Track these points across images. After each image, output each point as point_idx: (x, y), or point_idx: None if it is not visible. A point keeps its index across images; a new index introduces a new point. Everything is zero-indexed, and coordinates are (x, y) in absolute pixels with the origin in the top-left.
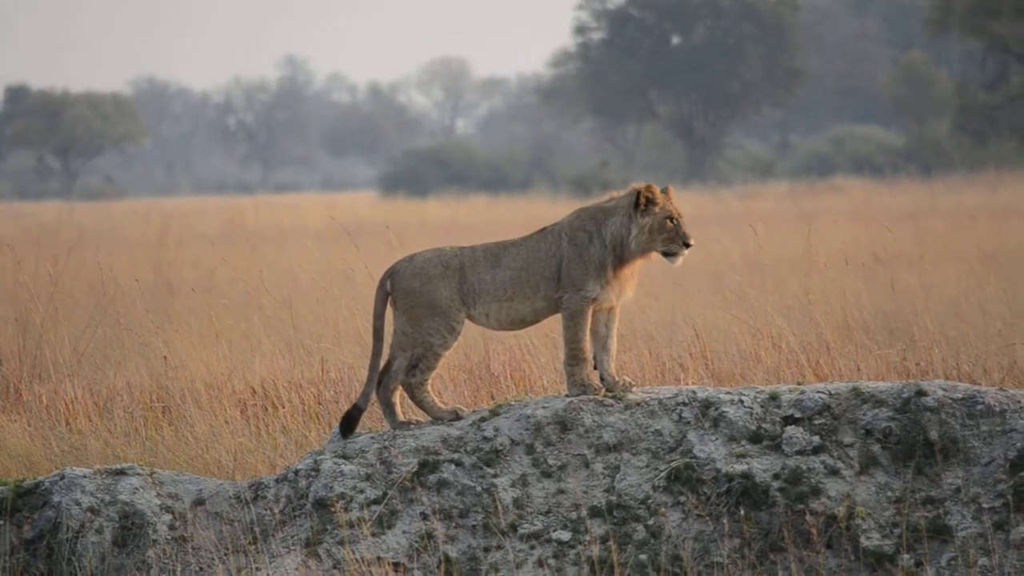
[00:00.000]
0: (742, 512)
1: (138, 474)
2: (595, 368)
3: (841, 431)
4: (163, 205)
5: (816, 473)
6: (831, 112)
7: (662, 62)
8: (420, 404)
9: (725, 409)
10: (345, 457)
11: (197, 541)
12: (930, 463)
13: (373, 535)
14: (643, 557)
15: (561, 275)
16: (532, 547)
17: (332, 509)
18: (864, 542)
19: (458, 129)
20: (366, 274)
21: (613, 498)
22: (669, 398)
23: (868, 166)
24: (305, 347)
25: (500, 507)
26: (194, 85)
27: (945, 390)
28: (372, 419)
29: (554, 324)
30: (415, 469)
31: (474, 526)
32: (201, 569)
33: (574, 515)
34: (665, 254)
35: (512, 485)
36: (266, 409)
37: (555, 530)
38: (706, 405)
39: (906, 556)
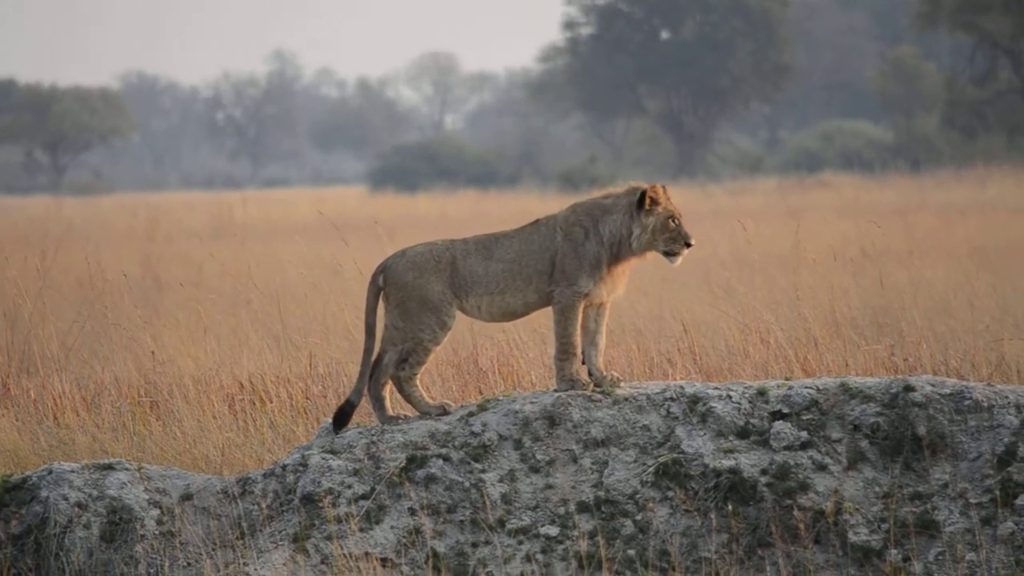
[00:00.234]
0: (730, 507)
1: (126, 469)
2: (583, 363)
3: (829, 426)
4: (151, 200)
5: (804, 468)
6: (820, 107)
7: (651, 57)
8: (408, 399)
9: (713, 404)
10: (333, 452)
11: (185, 536)
12: (918, 458)
13: (361, 530)
14: (631, 552)
15: (554, 269)
16: (520, 542)
17: (320, 504)
18: (852, 537)
19: (447, 124)
20: (355, 269)
21: (601, 493)
22: (657, 393)
23: (857, 161)
24: (293, 342)
25: (488, 502)
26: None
27: (933, 385)
28: (359, 414)
29: (542, 319)
30: (403, 464)
31: (462, 521)
32: (189, 564)
33: (562, 510)
34: (666, 254)
35: (500, 480)
36: (254, 404)
37: (543, 525)
38: (694, 400)
39: (894, 551)
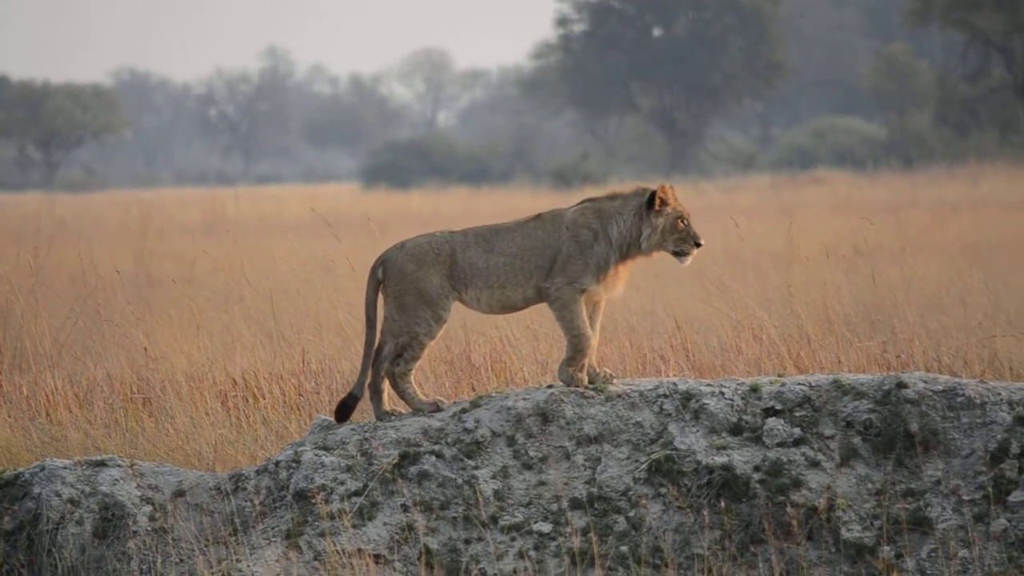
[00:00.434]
0: (723, 504)
1: (118, 465)
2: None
3: (822, 423)
4: (144, 196)
5: (797, 465)
6: (812, 104)
7: (643, 54)
8: (402, 395)
9: (706, 401)
10: (326, 448)
11: (177, 532)
12: (910, 455)
13: (354, 527)
14: (624, 549)
15: (554, 265)
16: (513, 539)
17: (313, 501)
18: (845, 534)
19: (439, 121)
20: (347, 266)
21: (594, 490)
22: (650, 390)
23: (849, 158)
24: (286, 338)
25: (481, 499)
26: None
27: (926, 382)
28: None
29: (536, 315)
30: (396, 461)
31: (455, 518)
32: (181, 560)
33: (555, 507)
34: (676, 254)
35: (493, 477)
36: (247, 400)
37: (536, 522)
38: (687, 397)
39: (886, 548)
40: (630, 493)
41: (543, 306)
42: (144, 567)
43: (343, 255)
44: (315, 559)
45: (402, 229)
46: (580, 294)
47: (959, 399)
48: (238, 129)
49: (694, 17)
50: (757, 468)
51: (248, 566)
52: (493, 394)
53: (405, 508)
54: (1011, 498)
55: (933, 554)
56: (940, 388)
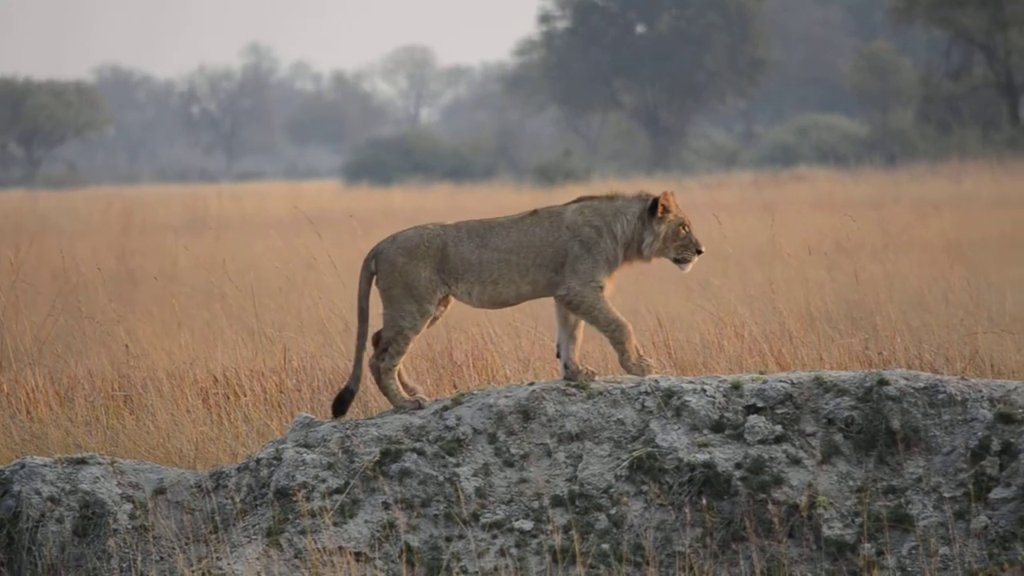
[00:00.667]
0: (704, 501)
1: (99, 463)
2: (558, 355)
3: (803, 420)
4: (126, 193)
5: (778, 462)
6: (795, 102)
7: (627, 51)
8: (385, 391)
9: (688, 398)
10: (307, 446)
11: (158, 530)
12: (892, 452)
13: (335, 524)
14: (605, 546)
15: (566, 270)
16: (494, 536)
17: (294, 498)
18: (826, 531)
19: (422, 118)
20: (329, 263)
21: (575, 487)
22: (632, 387)
23: (832, 156)
24: (267, 336)
25: (462, 496)
26: (158, 73)
27: (907, 379)
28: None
29: (518, 313)
30: (377, 458)
31: (436, 515)
32: (162, 558)
33: (536, 504)
34: (677, 261)
35: (474, 474)
36: (228, 398)
37: (517, 519)
38: (668, 394)
39: (867, 545)
40: (611, 490)
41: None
42: (124, 565)
43: (325, 252)
44: (296, 557)
45: (385, 226)
46: (599, 291)
47: (940, 396)
48: (220, 126)
49: (677, 14)
50: (739, 465)
51: (229, 564)
52: (475, 391)
53: (386, 506)
54: (992, 495)
55: (914, 551)
56: (921, 385)
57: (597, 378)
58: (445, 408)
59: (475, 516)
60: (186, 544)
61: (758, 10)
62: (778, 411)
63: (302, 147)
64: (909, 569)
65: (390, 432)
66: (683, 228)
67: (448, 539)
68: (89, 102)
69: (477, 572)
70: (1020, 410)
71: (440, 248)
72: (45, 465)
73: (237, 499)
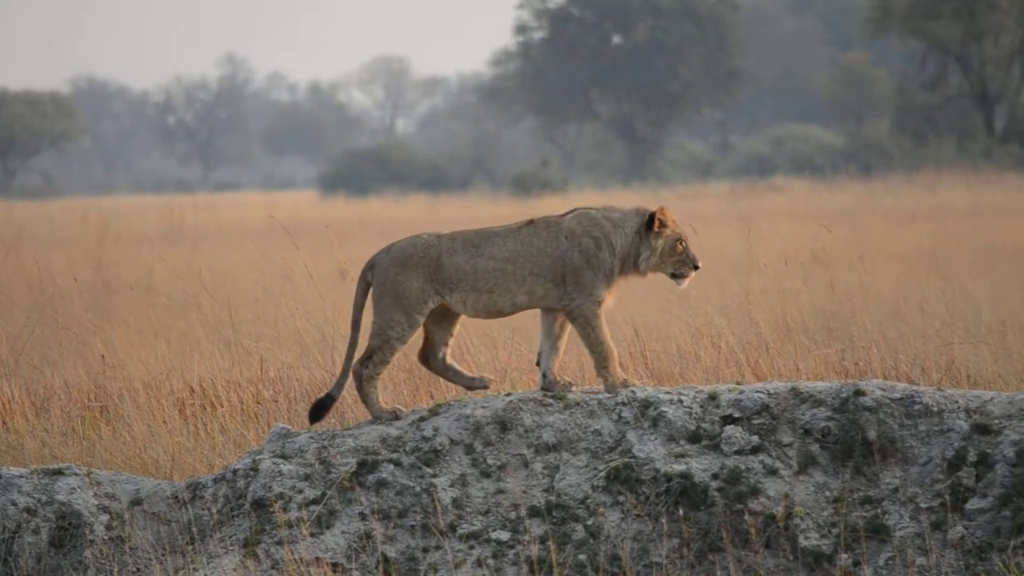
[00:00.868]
0: (681, 512)
1: (75, 474)
2: (538, 364)
3: (780, 431)
4: (102, 204)
5: (755, 473)
6: (771, 112)
7: (603, 62)
8: (364, 398)
9: (664, 409)
10: (284, 457)
11: (134, 541)
12: (868, 463)
13: (312, 535)
14: (582, 557)
15: (567, 282)
16: (471, 547)
17: (271, 509)
18: (802, 542)
19: (398, 128)
20: (305, 273)
21: (552, 498)
22: (608, 398)
23: (808, 166)
24: (244, 346)
25: (439, 507)
26: (133, 84)
27: (883, 390)
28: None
29: (496, 323)
30: (354, 469)
31: (413, 526)
32: (138, 570)
33: (513, 515)
34: (673, 276)
35: (451, 485)
36: (204, 408)
37: (494, 530)
38: (645, 405)
39: (844, 556)
40: (588, 501)
41: (572, 325)
42: None
43: (302, 263)
44: (273, 568)
45: (361, 237)
46: (598, 307)
47: (917, 407)
48: (196, 136)
49: (653, 25)
50: (715, 476)
51: (205, 575)
52: (452, 402)
53: (363, 516)
54: (968, 506)
55: (891, 562)
56: (898, 396)
57: (574, 388)
58: (422, 419)
59: (452, 527)
60: (163, 555)
61: (734, 21)
62: (755, 422)
63: (278, 157)
64: None
65: (367, 443)
66: (680, 243)
67: (425, 550)
68: (65, 112)
69: None
70: (996, 421)
71: (435, 258)
72: (21, 476)
73: (214, 510)
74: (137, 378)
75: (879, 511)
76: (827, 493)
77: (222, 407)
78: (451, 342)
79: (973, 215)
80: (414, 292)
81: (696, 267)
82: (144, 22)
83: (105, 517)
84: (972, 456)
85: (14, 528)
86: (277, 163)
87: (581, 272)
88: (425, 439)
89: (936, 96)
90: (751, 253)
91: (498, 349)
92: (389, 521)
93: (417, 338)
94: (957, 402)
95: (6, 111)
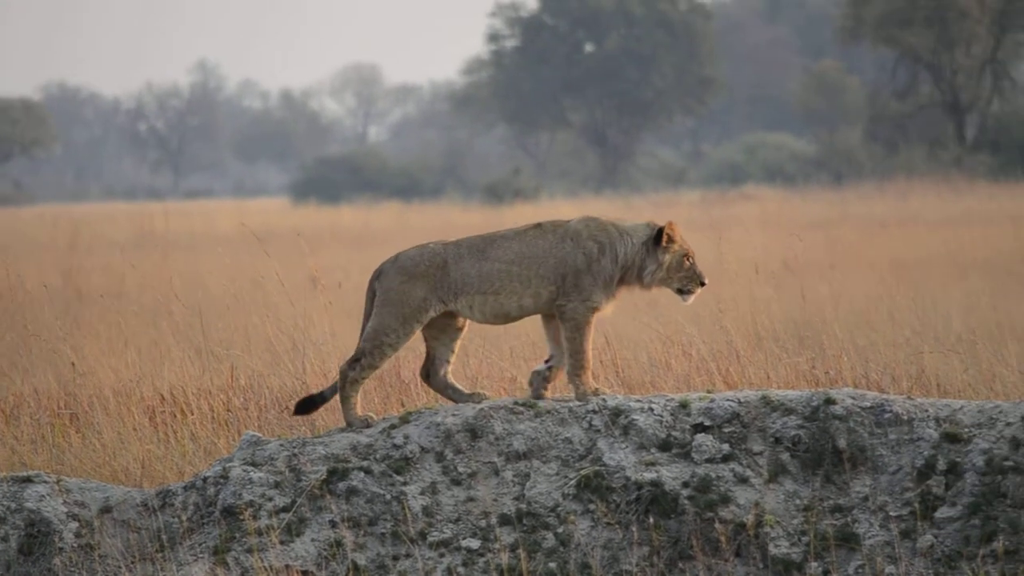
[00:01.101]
0: (651, 520)
1: (44, 482)
2: (547, 366)
3: (750, 439)
4: (73, 211)
5: (725, 481)
6: (743, 121)
7: (575, 70)
8: (344, 400)
9: (635, 417)
10: (254, 464)
11: (104, 549)
12: (838, 471)
13: (282, 543)
14: (552, 565)
15: (566, 283)
16: (441, 555)
17: (241, 517)
18: (772, 550)
19: (370, 136)
20: (276, 281)
21: (523, 506)
22: (579, 406)
23: (779, 175)
24: (215, 354)
25: (409, 515)
26: (105, 91)
27: (854, 398)
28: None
29: (466, 332)
30: (324, 477)
31: (383, 534)
32: None
33: (484, 523)
34: (679, 291)
35: (422, 493)
36: (175, 416)
37: (464, 538)
38: (616, 413)
39: (814, 564)
40: (559, 509)
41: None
42: None
43: (273, 270)
44: (243, 575)
45: (333, 244)
46: (592, 313)
47: (887, 415)
48: (168, 144)
49: (625, 33)
50: (686, 484)
51: None
52: (422, 410)
53: (333, 524)
54: (938, 514)
55: (860, 570)
56: (868, 404)
57: (545, 396)
58: (393, 426)
59: (422, 535)
60: (132, 563)
61: (706, 29)
62: (725, 430)
63: (250, 165)
64: None
65: (337, 450)
66: (687, 259)
67: (395, 558)
68: (36, 119)
69: None
70: (966, 430)
71: (441, 266)
72: None
73: (184, 518)
74: (107, 385)
75: (849, 519)
76: (797, 501)
77: (192, 415)
78: (452, 359)
79: (944, 224)
80: (416, 301)
81: (703, 283)
82: (116, 29)
83: (74, 525)
84: (942, 465)
85: None
86: (249, 170)
87: (581, 275)
88: (396, 447)
89: (907, 105)
90: (722, 261)
91: (469, 357)
92: (359, 529)
93: (406, 350)
94: (927, 411)
95: None
